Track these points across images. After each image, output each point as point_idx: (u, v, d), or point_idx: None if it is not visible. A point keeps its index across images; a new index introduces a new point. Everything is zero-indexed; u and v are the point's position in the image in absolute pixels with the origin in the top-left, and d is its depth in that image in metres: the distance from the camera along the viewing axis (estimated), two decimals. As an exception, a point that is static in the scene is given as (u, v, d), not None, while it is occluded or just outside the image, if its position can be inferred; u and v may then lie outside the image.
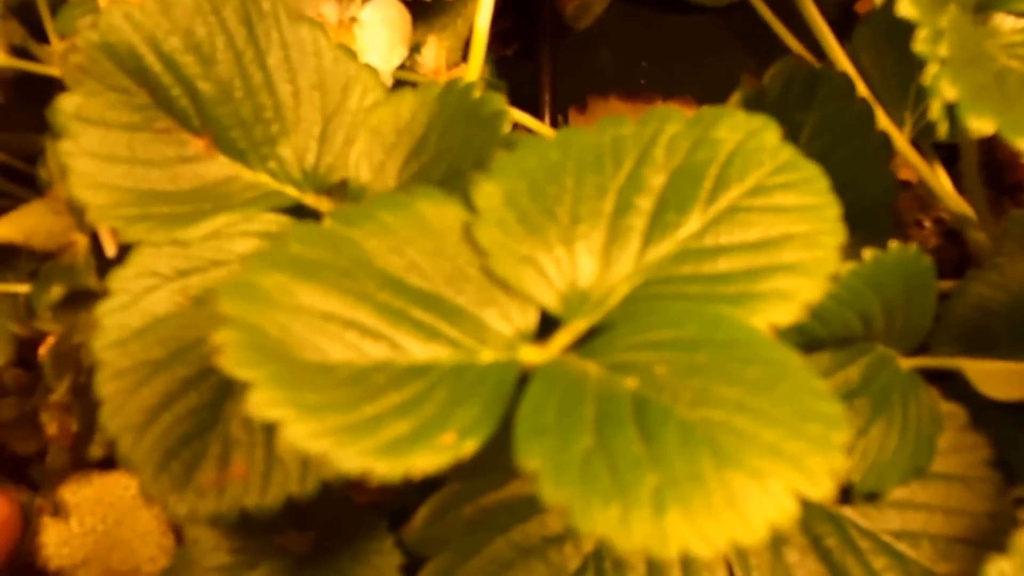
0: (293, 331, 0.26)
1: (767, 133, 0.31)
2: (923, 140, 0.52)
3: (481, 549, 0.36)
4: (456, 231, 0.30)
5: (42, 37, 0.46)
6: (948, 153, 0.54)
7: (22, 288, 0.43)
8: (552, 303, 0.29)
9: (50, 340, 0.43)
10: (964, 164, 0.49)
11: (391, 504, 0.40)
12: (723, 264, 0.29)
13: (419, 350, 0.27)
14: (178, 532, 0.50)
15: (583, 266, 0.30)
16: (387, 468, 0.24)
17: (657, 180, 0.31)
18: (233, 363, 0.24)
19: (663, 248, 0.30)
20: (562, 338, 0.29)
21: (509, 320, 0.29)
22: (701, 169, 0.31)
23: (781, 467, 0.23)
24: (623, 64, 0.66)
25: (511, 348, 0.28)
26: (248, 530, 0.41)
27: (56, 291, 0.41)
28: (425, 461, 0.24)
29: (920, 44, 0.34)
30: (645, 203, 0.30)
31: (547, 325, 0.29)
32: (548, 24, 0.63)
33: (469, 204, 0.30)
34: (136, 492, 0.49)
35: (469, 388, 0.27)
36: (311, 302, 0.26)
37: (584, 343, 0.29)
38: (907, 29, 0.41)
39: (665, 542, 0.22)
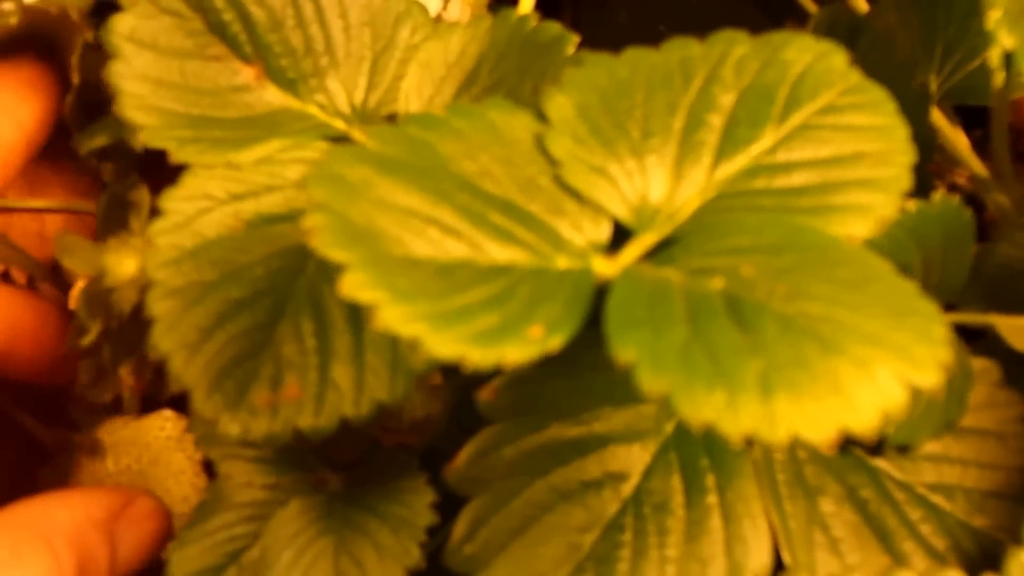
0: (378, 223, 0.26)
1: (836, 56, 0.32)
2: (945, 103, 0.54)
3: (521, 492, 0.37)
4: (527, 141, 0.30)
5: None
6: (967, 120, 0.56)
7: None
8: (624, 214, 0.30)
9: (80, 284, 0.43)
10: (994, 125, 0.50)
11: (418, 447, 0.41)
12: (797, 179, 0.30)
13: (497, 251, 0.28)
14: (211, 472, 0.51)
15: (654, 179, 0.30)
16: (481, 355, 0.24)
17: (727, 99, 0.31)
18: (327, 244, 0.24)
19: (735, 163, 0.31)
20: (634, 249, 0.29)
21: (581, 230, 0.29)
22: (771, 88, 0.31)
23: (887, 355, 0.24)
24: (640, 27, 0.68)
25: (584, 257, 0.29)
26: (280, 467, 0.41)
27: (100, 139, 0.43)
28: (516, 351, 0.25)
29: (983, -13, 0.36)
30: (716, 120, 0.31)
31: (619, 237, 0.30)
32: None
33: (539, 116, 0.31)
34: (170, 433, 0.50)
35: (549, 289, 0.27)
36: (393, 197, 0.27)
37: (658, 253, 0.29)
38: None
39: (775, 426, 0.23)
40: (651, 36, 0.66)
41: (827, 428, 0.23)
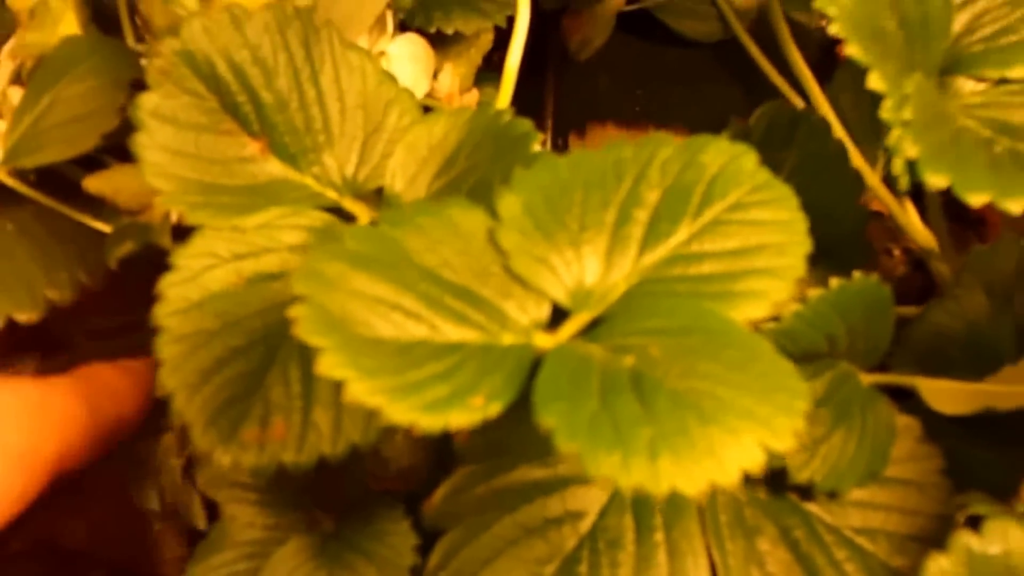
0: (350, 310, 0.32)
1: (746, 158, 0.38)
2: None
3: (491, 526, 0.43)
4: (481, 235, 0.36)
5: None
6: (918, 188, 0.61)
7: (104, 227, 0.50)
8: (562, 297, 0.36)
9: None
10: (928, 200, 0.56)
11: (403, 492, 0.47)
12: (707, 267, 0.36)
13: (452, 331, 0.34)
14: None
15: (589, 267, 0.36)
16: (429, 422, 0.30)
17: (652, 196, 0.38)
18: (307, 332, 0.31)
19: (656, 253, 0.37)
20: (570, 327, 0.35)
21: (525, 311, 0.36)
22: (690, 187, 0.38)
23: (753, 426, 0.30)
24: (619, 92, 0.74)
25: (527, 334, 0.35)
26: (279, 509, 0.47)
27: (128, 245, 0.48)
28: (460, 418, 0.31)
29: (886, 112, 0.42)
30: (642, 215, 0.37)
31: (557, 316, 0.36)
32: (552, 54, 0.71)
33: (492, 212, 0.37)
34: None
35: (493, 363, 0.33)
36: (364, 288, 0.33)
37: (588, 331, 0.35)
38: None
39: (658, 482, 0.29)
40: (629, 99, 0.74)
41: (700, 483, 0.29)
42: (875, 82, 0.41)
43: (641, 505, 0.44)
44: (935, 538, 0.43)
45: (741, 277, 0.36)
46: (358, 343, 0.32)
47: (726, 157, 0.38)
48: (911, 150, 0.41)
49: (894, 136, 0.41)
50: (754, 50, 0.68)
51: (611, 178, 0.38)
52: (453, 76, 0.58)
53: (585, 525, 0.44)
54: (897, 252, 0.66)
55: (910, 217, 0.59)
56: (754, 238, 0.37)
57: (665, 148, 0.38)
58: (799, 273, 0.36)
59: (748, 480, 0.46)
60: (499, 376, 0.33)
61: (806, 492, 0.46)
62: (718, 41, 0.75)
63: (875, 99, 0.58)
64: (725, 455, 0.30)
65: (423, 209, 0.36)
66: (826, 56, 0.70)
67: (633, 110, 0.73)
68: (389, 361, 0.32)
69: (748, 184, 0.38)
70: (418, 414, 0.30)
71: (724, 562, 0.44)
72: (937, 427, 0.48)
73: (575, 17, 0.71)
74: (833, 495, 0.46)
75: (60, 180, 0.53)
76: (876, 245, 0.66)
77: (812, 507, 0.46)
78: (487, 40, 0.61)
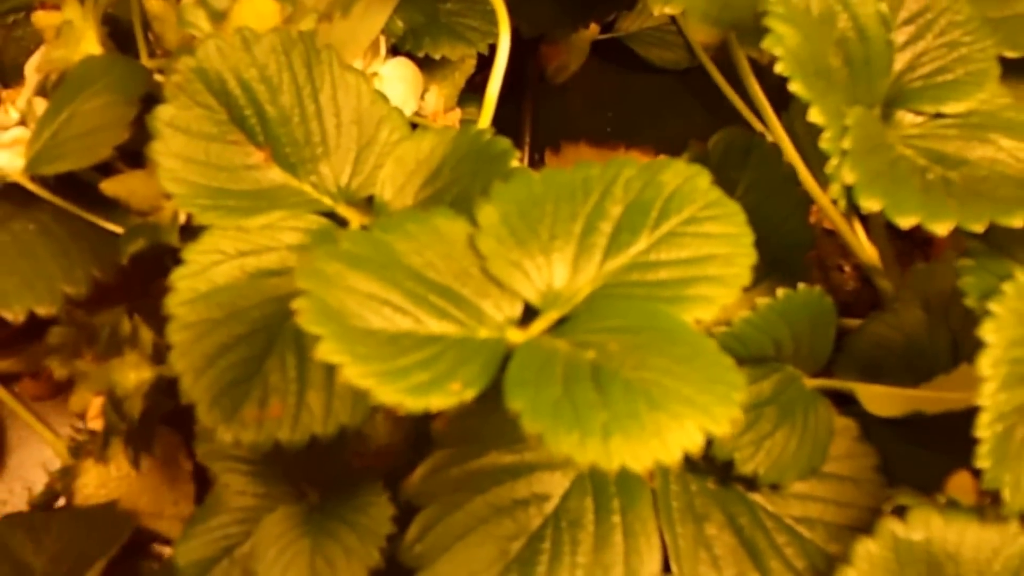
0: (346, 305, 0.36)
1: (700, 178, 0.42)
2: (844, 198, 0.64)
3: (463, 505, 0.46)
4: (463, 240, 0.40)
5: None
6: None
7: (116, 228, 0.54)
8: (533, 298, 0.39)
9: (95, 404, 0.53)
10: (871, 222, 0.60)
11: (382, 469, 0.50)
12: (662, 274, 0.40)
13: (434, 324, 0.37)
14: (199, 482, 0.60)
15: (557, 271, 0.40)
16: (413, 403, 0.34)
17: (616, 210, 0.41)
18: (308, 322, 0.34)
19: (618, 261, 0.40)
20: (539, 324, 0.39)
21: (500, 309, 0.39)
22: (649, 203, 0.41)
23: (694, 412, 0.34)
24: (592, 114, 0.78)
25: (501, 329, 0.38)
26: (269, 480, 0.50)
27: (140, 242, 0.51)
28: (439, 400, 0.34)
29: (824, 143, 0.46)
30: (606, 227, 0.41)
31: (528, 314, 0.39)
32: (530, 78, 0.75)
33: (473, 221, 0.40)
34: (167, 446, 0.60)
35: (470, 354, 0.37)
36: (358, 285, 0.37)
37: (555, 328, 0.39)
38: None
39: (609, 459, 0.32)
40: (601, 120, 0.78)
41: (646, 461, 0.33)
42: (815, 115, 0.45)
43: (600, 490, 0.47)
44: (868, 528, 0.46)
45: (692, 283, 0.40)
46: (352, 333, 0.35)
47: (682, 177, 0.42)
48: (848, 176, 0.44)
49: (831, 165, 0.44)
50: (718, 77, 0.71)
51: (579, 193, 0.41)
52: (439, 96, 0.62)
53: (549, 507, 0.47)
54: (848, 268, 0.69)
55: (857, 236, 0.62)
56: (705, 249, 0.40)
57: (629, 168, 0.42)
58: (744, 282, 0.40)
59: (698, 471, 0.50)
60: (475, 366, 0.36)
61: (751, 483, 0.49)
62: (685, 69, 0.79)
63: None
64: (669, 437, 0.33)
65: (411, 216, 0.40)
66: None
67: (604, 131, 0.77)
68: (379, 349, 0.35)
69: (701, 201, 0.41)
70: (403, 396, 0.34)
71: (675, 544, 0.48)
72: (873, 429, 0.52)
73: (552, 45, 0.75)
74: (776, 487, 0.50)
75: (76, 183, 0.57)
76: (828, 261, 0.69)
77: (756, 497, 0.50)
78: (470, 64, 0.65)
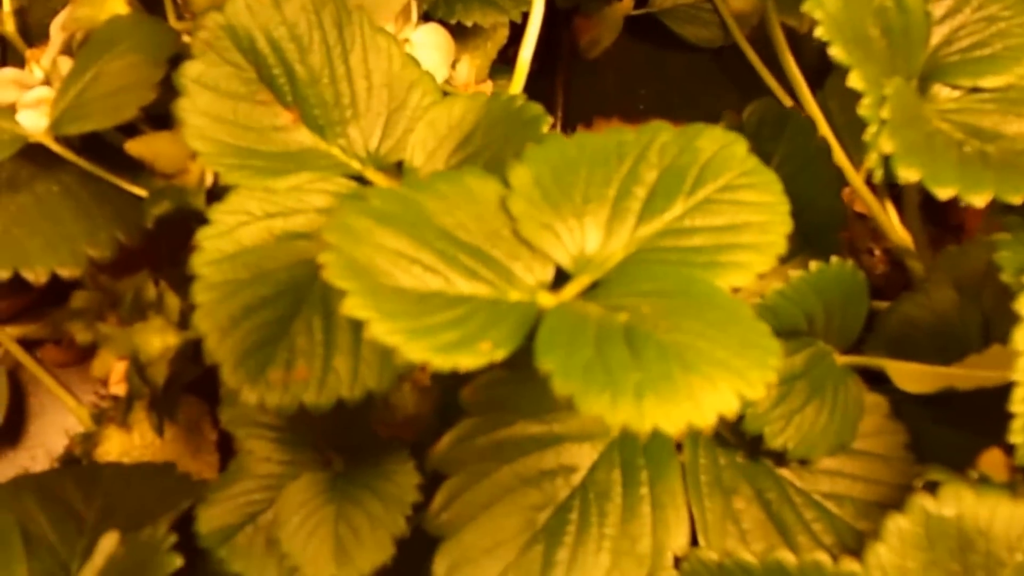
0: (374, 262, 0.35)
1: (737, 145, 0.41)
2: (883, 181, 0.63)
3: (490, 474, 0.45)
4: (494, 201, 0.39)
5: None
6: (898, 191, 0.64)
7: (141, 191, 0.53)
8: (565, 262, 0.39)
9: (118, 368, 0.53)
10: (905, 202, 0.59)
11: (409, 439, 0.50)
12: (697, 240, 0.39)
13: (464, 285, 0.37)
14: (224, 452, 0.60)
15: (590, 235, 0.39)
16: (442, 361, 0.33)
17: (650, 175, 0.41)
18: (335, 277, 0.34)
19: (652, 226, 0.40)
20: (571, 288, 0.38)
21: (531, 272, 0.38)
22: (685, 169, 0.41)
23: (728, 375, 0.33)
24: (624, 91, 0.77)
25: (532, 293, 0.38)
26: (293, 447, 0.50)
27: (165, 205, 0.51)
28: (468, 360, 0.34)
29: (863, 109, 0.45)
30: (640, 192, 0.40)
31: (559, 278, 0.39)
32: (563, 52, 0.74)
33: (504, 183, 0.40)
34: (191, 415, 0.59)
35: (500, 315, 0.36)
36: (387, 242, 0.36)
37: (587, 292, 0.38)
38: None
39: (642, 420, 0.32)
40: (633, 97, 0.77)
41: (679, 424, 0.32)
42: (855, 81, 0.44)
43: (629, 462, 0.47)
44: (897, 506, 0.46)
45: (727, 250, 0.39)
46: (380, 290, 0.35)
47: (719, 143, 0.41)
48: (886, 145, 0.44)
49: (869, 132, 0.44)
50: (752, 55, 0.71)
51: (614, 157, 0.41)
52: (470, 67, 0.61)
53: (577, 478, 0.46)
54: (878, 252, 0.68)
55: (889, 217, 0.62)
56: (741, 217, 0.40)
57: (664, 133, 0.41)
58: (780, 250, 0.39)
59: (726, 445, 0.49)
60: (505, 327, 0.36)
61: (780, 458, 0.49)
62: (719, 47, 0.78)
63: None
64: (703, 399, 0.33)
65: (442, 176, 0.40)
66: (822, 63, 0.72)
67: (637, 107, 0.77)
68: (407, 307, 0.35)
69: (738, 169, 0.41)
70: (431, 354, 0.33)
71: (703, 517, 0.47)
72: (904, 407, 0.51)
73: (586, 18, 0.74)
74: (804, 462, 0.49)
75: (101, 146, 0.56)
76: (859, 244, 0.68)
77: (785, 472, 0.49)
78: (502, 35, 0.65)
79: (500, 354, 0.34)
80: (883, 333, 0.54)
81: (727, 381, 0.33)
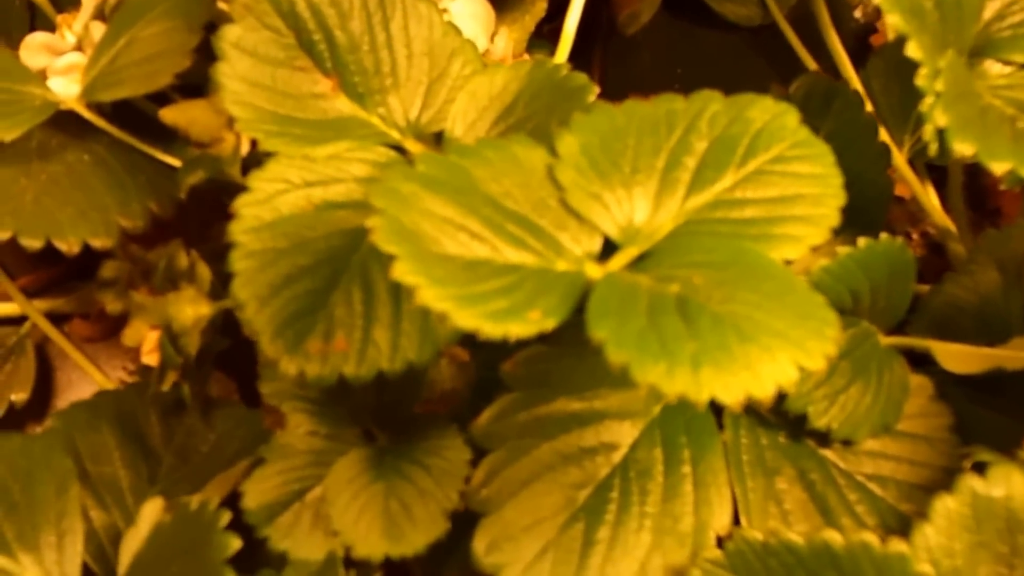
0: (422, 227, 0.35)
1: (789, 116, 0.41)
2: (918, 161, 0.62)
3: (530, 451, 0.45)
4: (541, 170, 0.39)
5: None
6: (937, 176, 0.64)
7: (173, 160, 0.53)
8: (613, 232, 0.38)
9: (151, 337, 0.52)
10: (950, 184, 0.59)
11: (446, 415, 0.49)
12: (748, 212, 0.39)
13: (512, 254, 0.36)
14: None
15: (638, 206, 0.39)
16: (491, 329, 0.33)
17: (700, 145, 0.40)
18: (383, 240, 0.33)
19: (702, 197, 0.39)
20: (619, 259, 0.37)
21: (578, 242, 0.38)
22: (735, 139, 0.40)
23: (787, 345, 0.32)
24: (660, 69, 0.77)
25: (579, 263, 0.37)
26: (338, 422, 0.49)
27: (199, 174, 0.50)
28: (519, 328, 0.33)
29: (921, 79, 0.44)
30: (690, 162, 0.40)
31: (606, 250, 0.38)
32: (601, 27, 0.74)
33: (551, 151, 0.39)
34: (219, 390, 0.59)
35: (549, 285, 0.36)
36: (434, 208, 0.36)
37: (635, 264, 0.38)
38: (911, 65, 0.51)
39: (700, 390, 0.31)
40: (670, 76, 0.76)
41: (737, 394, 0.31)
42: (912, 50, 0.43)
43: (670, 440, 0.46)
44: (941, 488, 0.45)
45: (779, 222, 0.38)
46: (428, 256, 0.34)
47: (771, 114, 0.41)
48: (941, 119, 0.43)
49: (926, 103, 0.43)
50: (791, 35, 0.70)
51: (663, 127, 0.40)
52: (507, 40, 0.60)
53: (617, 456, 0.46)
54: (916, 235, 0.68)
55: (931, 200, 0.61)
56: (793, 188, 0.39)
57: (714, 103, 0.41)
58: (833, 223, 0.38)
59: (768, 425, 0.48)
60: (554, 296, 0.35)
61: (823, 439, 0.48)
62: (757, 26, 0.77)
63: (904, 85, 0.61)
64: (762, 370, 0.32)
65: (489, 143, 0.39)
66: (861, 45, 0.72)
67: (672, 86, 0.75)
68: (455, 274, 0.34)
69: (790, 140, 0.40)
70: (482, 321, 0.33)
71: (745, 497, 0.47)
72: (947, 389, 0.50)
73: (626, -9, 0.74)
74: (848, 443, 0.48)
75: (132, 115, 0.56)
76: (896, 228, 0.68)
77: (828, 453, 0.49)
78: (541, 8, 0.64)
79: (550, 323, 0.34)
80: (927, 315, 0.53)
81: (785, 351, 0.32)
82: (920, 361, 0.51)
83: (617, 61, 0.77)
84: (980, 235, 0.56)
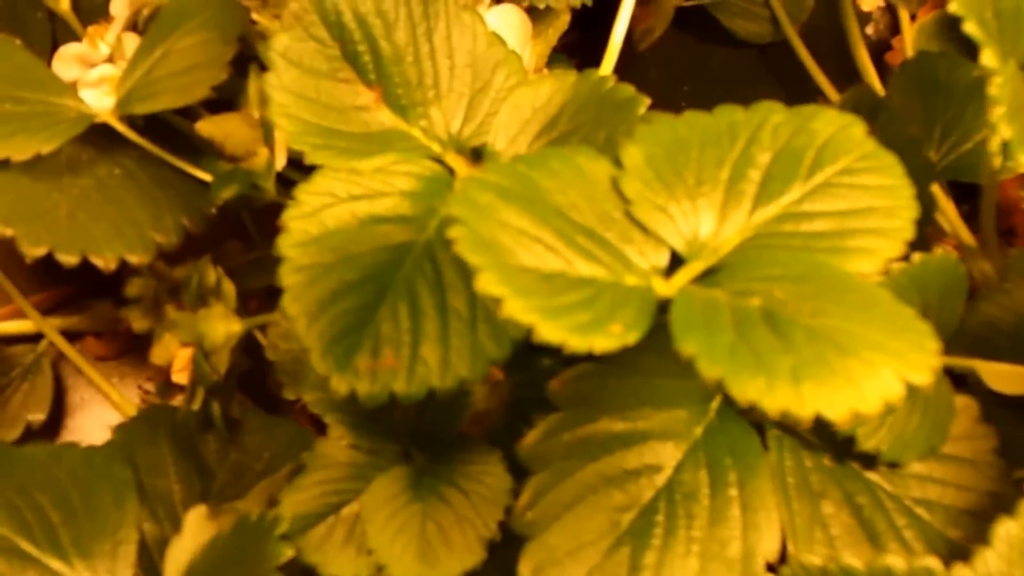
0: (499, 238, 0.33)
1: (855, 128, 0.39)
2: (940, 179, 0.61)
3: (574, 473, 0.43)
4: (605, 182, 0.37)
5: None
6: (957, 193, 0.63)
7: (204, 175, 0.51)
8: (679, 245, 0.37)
9: (183, 355, 0.50)
10: (984, 202, 0.58)
11: (481, 435, 0.47)
12: (818, 225, 0.37)
13: (583, 267, 0.35)
14: None
15: (704, 219, 0.37)
16: (577, 342, 0.31)
17: (764, 157, 0.39)
18: (466, 251, 0.32)
19: (769, 210, 0.38)
20: (685, 274, 0.36)
21: (645, 256, 0.36)
22: (801, 151, 0.39)
23: (889, 359, 0.31)
24: (667, 85, 0.75)
25: (647, 277, 0.36)
26: (380, 439, 0.47)
27: (233, 188, 0.49)
28: (603, 342, 0.32)
29: (994, 88, 0.43)
30: (755, 174, 0.38)
31: (673, 263, 0.37)
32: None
33: (615, 162, 0.38)
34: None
35: (623, 298, 0.34)
36: (510, 219, 0.34)
37: (702, 278, 0.36)
38: (933, 82, 0.50)
39: (803, 406, 0.30)
40: (676, 94, 0.74)
41: (842, 410, 0.30)
42: (988, 59, 0.42)
43: (715, 463, 0.45)
44: (988, 513, 0.44)
45: (852, 235, 0.37)
46: (507, 268, 0.33)
47: (836, 126, 0.39)
48: (1005, 131, 0.42)
49: (996, 114, 0.42)
50: (803, 52, 0.69)
51: (725, 138, 0.39)
52: (532, 53, 0.59)
53: (661, 479, 0.44)
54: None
55: (955, 216, 0.60)
56: (863, 201, 0.38)
57: (776, 114, 0.40)
58: (908, 235, 0.37)
59: (811, 447, 0.47)
60: (631, 310, 0.34)
61: (868, 461, 0.46)
62: (766, 43, 0.76)
63: (927, 101, 0.60)
64: (865, 385, 0.30)
65: (554, 153, 0.37)
66: (875, 64, 0.71)
67: (679, 104, 0.74)
68: (536, 286, 0.33)
69: (857, 151, 0.39)
70: (567, 334, 0.31)
71: (791, 521, 0.45)
72: (994, 410, 0.49)
73: (642, 6, 0.72)
74: (895, 465, 0.47)
75: (162, 130, 0.54)
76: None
77: (874, 476, 0.47)
78: (564, 21, 0.63)
79: (632, 337, 0.33)
80: (964, 334, 0.52)
81: (888, 365, 0.31)
82: (960, 381, 0.50)
83: (622, 77, 0.75)
84: (1008, 252, 0.55)
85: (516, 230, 0.34)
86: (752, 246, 0.37)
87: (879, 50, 0.73)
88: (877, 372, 0.31)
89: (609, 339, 0.32)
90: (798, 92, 0.69)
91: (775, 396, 0.30)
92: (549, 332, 0.31)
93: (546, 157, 0.37)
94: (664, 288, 0.35)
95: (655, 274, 0.36)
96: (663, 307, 0.35)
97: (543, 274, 0.34)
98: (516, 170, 0.36)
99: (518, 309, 0.31)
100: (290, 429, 0.56)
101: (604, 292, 0.34)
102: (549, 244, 0.34)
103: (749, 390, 0.30)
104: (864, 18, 0.75)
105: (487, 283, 0.31)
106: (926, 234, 0.54)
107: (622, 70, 0.72)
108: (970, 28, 0.41)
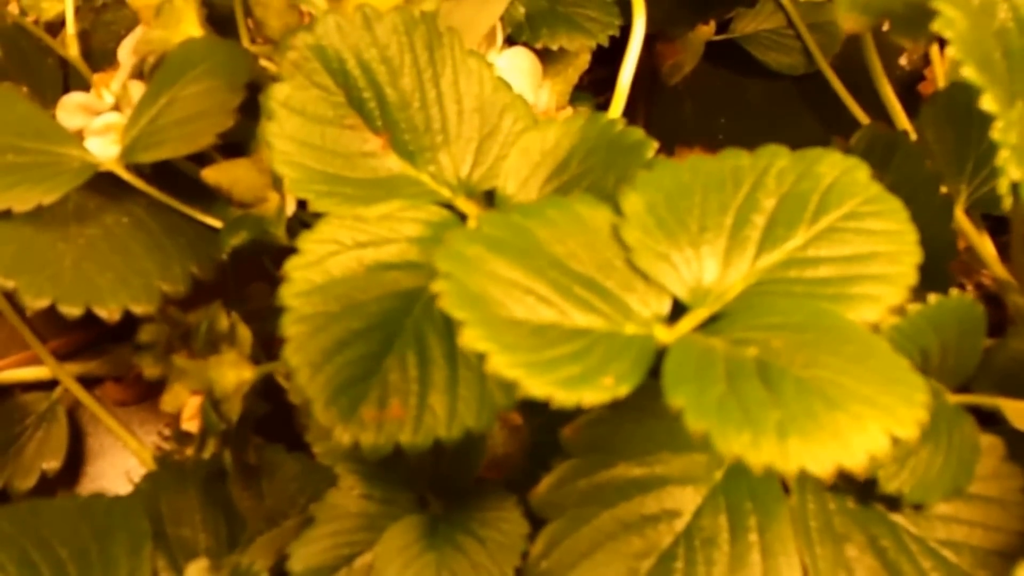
0: (488, 291, 0.34)
1: (860, 171, 0.40)
2: (974, 211, 0.62)
3: (590, 520, 0.44)
4: (605, 230, 0.38)
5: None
6: (991, 225, 0.63)
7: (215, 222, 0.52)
8: (681, 293, 0.38)
9: (192, 403, 0.52)
10: (1014, 236, 0.58)
11: (499, 481, 0.48)
12: (822, 271, 0.38)
13: (580, 317, 0.36)
14: None
15: (707, 266, 0.38)
16: (564, 397, 0.32)
17: (769, 202, 0.40)
18: (450, 306, 0.33)
19: (773, 256, 0.39)
20: (688, 321, 0.37)
21: (647, 304, 0.37)
22: (805, 196, 0.40)
23: (877, 413, 0.32)
24: (704, 119, 0.77)
25: (648, 326, 0.37)
26: (392, 486, 0.49)
27: (243, 235, 0.50)
28: (592, 395, 0.33)
29: (997, 132, 0.44)
30: (759, 220, 0.39)
31: (676, 310, 0.38)
32: (644, 78, 0.74)
33: (616, 210, 0.39)
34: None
35: (619, 349, 0.35)
36: (500, 271, 0.35)
37: (706, 326, 0.37)
38: (966, 113, 0.51)
39: (787, 460, 0.31)
40: (713, 127, 0.76)
41: (827, 464, 0.31)
42: (988, 103, 0.43)
43: (735, 507, 0.45)
44: (1017, 554, 0.45)
45: (856, 281, 0.38)
46: (496, 321, 0.34)
47: (840, 169, 0.40)
48: (1015, 172, 0.42)
49: (1003, 156, 0.42)
50: (837, 84, 0.70)
51: (729, 184, 0.40)
52: (551, 93, 0.60)
53: (680, 524, 0.45)
54: (970, 287, 0.67)
55: (989, 250, 0.61)
56: (868, 246, 0.39)
57: (781, 158, 0.41)
58: (911, 281, 0.38)
59: (835, 489, 0.48)
60: (625, 361, 0.35)
61: (893, 503, 0.47)
62: (801, 75, 0.77)
63: (959, 133, 0.60)
64: (852, 439, 0.31)
65: (552, 202, 0.38)
66: (908, 93, 0.72)
67: (716, 137, 0.76)
68: (524, 340, 0.34)
69: (862, 195, 0.40)
70: (554, 389, 0.32)
71: (814, 565, 0.46)
72: (1018, 449, 0.49)
73: (669, 43, 0.74)
74: (919, 507, 0.47)
75: (170, 176, 0.56)
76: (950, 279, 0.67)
77: (898, 518, 0.48)
78: (584, 60, 0.64)
79: (623, 389, 0.34)
80: (991, 371, 0.52)
81: (876, 419, 0.32)
82: (987, 420, 0.50)
83: (660, 112, 0.77)
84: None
85: (507, 282, 0.35)
86: (756, 293, 0.38)
87: (912, 81, 0.74)
88: (864, 426, 0.32)
89: (599, 392, 0.33)
90: (834, 123, 0.70)
91: (760, 451, 0.31)
92: (534, 387, 0.32)
93: (543, 206, 0.38)
94: (666, 336, 0.36)
95: (657, 322, 0.37)
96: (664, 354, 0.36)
97: (534, 326, 0.35)
98: (510, 220, 0.37)
99: (503, 364, 0.32)
100: (328, 475, 0.57)
101: (599, 343, 0.35)
102: (542, 295, 0.35)
103: (734, 445, 0.31)
104: (897, 49, 0.76)
105: (471, 339, 0.32)
106: (948, 271, 0.55)
107: (657, 105, 0.74)
108: (968, 73, 0.42)
